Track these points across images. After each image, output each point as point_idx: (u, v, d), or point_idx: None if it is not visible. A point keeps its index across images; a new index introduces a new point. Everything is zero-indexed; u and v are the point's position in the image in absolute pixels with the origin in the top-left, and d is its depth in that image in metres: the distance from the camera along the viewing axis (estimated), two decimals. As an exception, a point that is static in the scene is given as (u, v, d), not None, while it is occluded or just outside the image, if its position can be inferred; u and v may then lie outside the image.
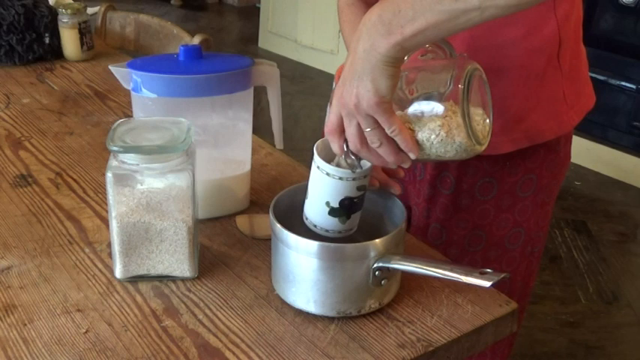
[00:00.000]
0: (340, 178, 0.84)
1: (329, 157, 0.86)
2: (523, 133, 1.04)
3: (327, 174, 0.85)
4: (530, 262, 1.18)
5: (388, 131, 0.79)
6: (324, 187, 0.86)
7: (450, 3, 0.71)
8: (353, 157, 0.83)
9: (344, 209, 0.86)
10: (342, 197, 0.86)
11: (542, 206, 1.13)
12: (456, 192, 1.10)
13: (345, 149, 0.83)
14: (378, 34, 0.75)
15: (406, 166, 0.83)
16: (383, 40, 0.74)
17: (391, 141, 0.80)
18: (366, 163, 0.85)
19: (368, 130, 0.79)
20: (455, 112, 0.80)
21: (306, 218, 0.90)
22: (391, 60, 0.75)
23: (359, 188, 0.86)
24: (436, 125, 0.80)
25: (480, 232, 1.12)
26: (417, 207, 1.16)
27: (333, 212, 0.86)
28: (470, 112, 0.81)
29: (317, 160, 0.86)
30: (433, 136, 0.81)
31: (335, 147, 0.84)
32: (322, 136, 0.88)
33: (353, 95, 0.77)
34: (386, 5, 0.75)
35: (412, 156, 0.81)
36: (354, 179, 0.85)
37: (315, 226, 0.89)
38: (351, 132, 0.81)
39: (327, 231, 0.88)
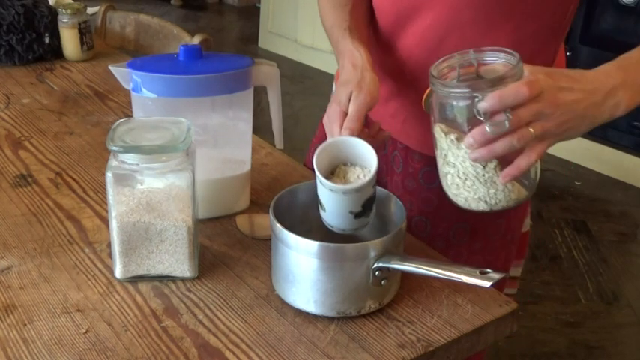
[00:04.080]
0: (357, 191, 0.84)
1: (332, 165, 0.86)
2: None
3: (344, 193, 0.84)
4: (509, 250, 1.21)
5: (534, 155, 0.83)
6: (343, 203, 0.85)
7: None
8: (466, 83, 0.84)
9: (368, 208, 0.87)
10: (363, 202, 0.85)
11: None
12: (440, 186, 1.11)
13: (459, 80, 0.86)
14: (627, 93, 0.91)
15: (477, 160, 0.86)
16: (630, 101, 0.91)
17: (522, 151, 0.83)
18: (372, 164, 0.85)
19: (532, 131, 0.82)
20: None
21: (331, 226, 0.89)
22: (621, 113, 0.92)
23: (373, 186, 0.86)
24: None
25: (464, 225, 1.14)
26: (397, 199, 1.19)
27: (358, 215, 0.87)
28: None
29: (331, 186, 0.84)
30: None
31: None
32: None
33: (579, 111, 0.85)
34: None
35: (500, 179, 0.85)
36: (369, 185, 0.85)
37: (344, 230, 0.88)
38: (534, 116, 0.82)
39: (355, 230, 0.89)
